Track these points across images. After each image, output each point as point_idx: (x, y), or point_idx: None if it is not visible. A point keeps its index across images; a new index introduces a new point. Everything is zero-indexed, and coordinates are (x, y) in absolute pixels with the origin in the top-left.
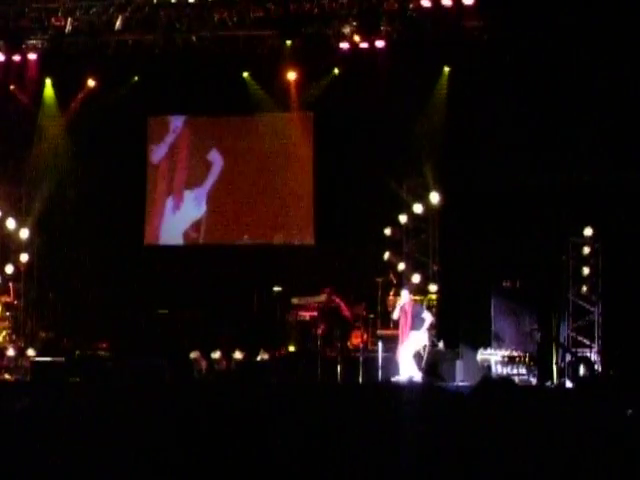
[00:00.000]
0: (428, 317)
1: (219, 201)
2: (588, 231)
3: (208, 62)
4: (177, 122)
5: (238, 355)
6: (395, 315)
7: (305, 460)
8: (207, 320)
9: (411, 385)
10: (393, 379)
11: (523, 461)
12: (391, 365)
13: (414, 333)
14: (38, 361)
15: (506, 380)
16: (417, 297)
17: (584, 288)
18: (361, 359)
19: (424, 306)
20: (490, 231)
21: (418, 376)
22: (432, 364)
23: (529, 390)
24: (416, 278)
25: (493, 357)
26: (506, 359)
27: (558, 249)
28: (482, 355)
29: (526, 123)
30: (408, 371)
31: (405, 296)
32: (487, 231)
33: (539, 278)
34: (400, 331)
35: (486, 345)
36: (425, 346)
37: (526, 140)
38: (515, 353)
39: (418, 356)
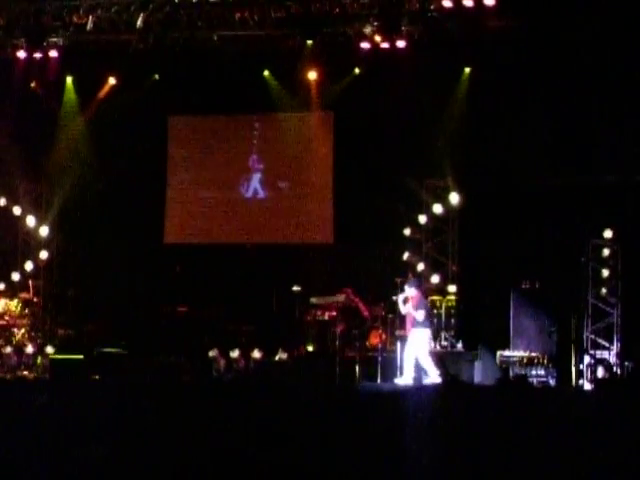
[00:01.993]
0: (420, 314)
1: (238, 200)
2: (608, 233)
3: (229, 61)
4: (197, 120)
5: (257, 354)
6: (403, 310)
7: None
8: (226, 319)
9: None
10: (396, 380)
11: (541, 461)
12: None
13: (418, 330)
14: (57, 358)
15: (524, 381)
16: (435, 297)
17: (603, 290)
18: (379, 359)
19: (426, 301)
20: (510, 232)
21: (436, 375)
22: (442, 363)
23: (547, 392)
24: (435, 279)
25: (512, 358)
26: (525, 360)
27: (578, 251)
28: (501, 356)
29: (547, 124)
30: (425, 369)
31: (409, 291)
32: (507, 232)
33: (558, 279)
34: (407, 327)
35: (505, 346)
36: (430, 342)
37: (546, 141)
38: (534, 354)
39: (433, 354)
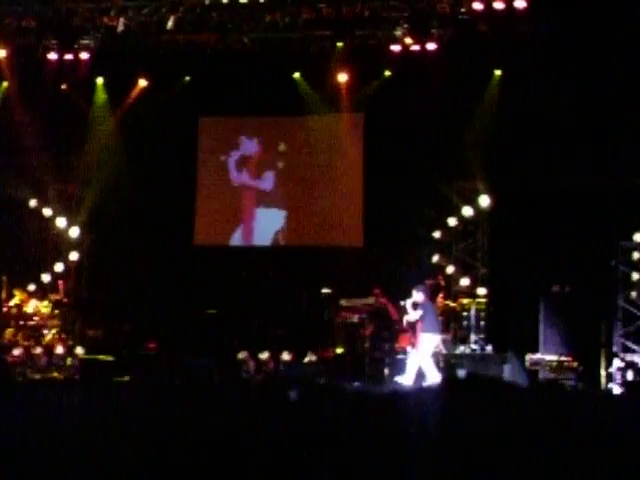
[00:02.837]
0: (414, 315)
1: (267, 202)
2: (638, 236)
3: (259, 63)
4: (228, 122)
5: (286, 356)
6: (412, 317)
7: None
8: (256, 321)
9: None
10: (397, 378)
11: (569, 465)
12: (439, 367)
13: (424, 335)
14: (87, 359)
15: (554, 385)
16: (465, 300)
17: (633, 293)
18: (408, 361)
19: (434, 306)
20: (539, 235)
21: (438, 378)
22: (449, 367)
23: (577, 395)
24: (465, 281)
25: (541, 362)
26: (554, 364)
27: (608, 254)
28: (530, 360)
29: (577, 126)
30: (423, 373)
31: (416, 296)
32: (536, 235)
33: (588, 283)
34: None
35: (534, 350)
36: (439, 347)
37: (577, 143)
38: (563, 358)
39: (435, 357)
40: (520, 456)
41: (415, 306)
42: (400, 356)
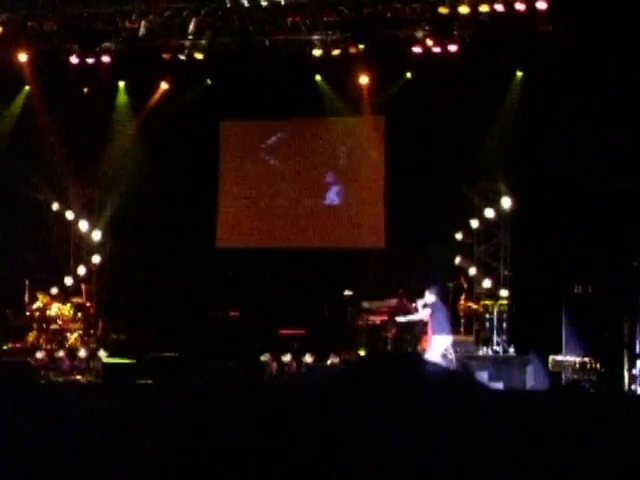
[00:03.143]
0: (424, 314)
1: (289, 204)
2: None
3: (280, 65)
4: (248, 125)
5: (308, 359)
6: (421, 316)
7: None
8: (278, 323)
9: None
10: None
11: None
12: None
13: (435, 337)
14: (109, 362)
15: (577, 386)
16: (487, 301)
17: None
18: (442, 362)
19: (446, 307)
20: (562, 236)
21: None
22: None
23: (600, 397)
24: (487, 283)
25: (564, 363)
26: (577, 365)
27: (630, 254)
28: (553, 361)
29: (598, 127)
30: None
31: (428, 297)
32: (559, 236)
33: (611, 283)
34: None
35: (557, 351)
36: (448, 349)
37: (599, 144)
38: (586, 359)
39: (444, 359)
40: (541, 459)
41: (426, 307)
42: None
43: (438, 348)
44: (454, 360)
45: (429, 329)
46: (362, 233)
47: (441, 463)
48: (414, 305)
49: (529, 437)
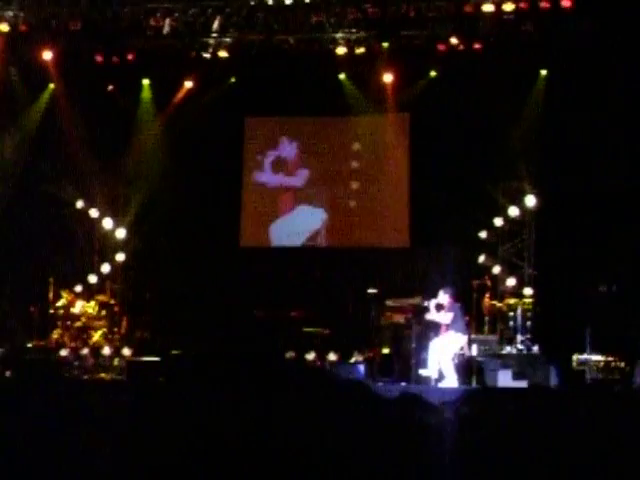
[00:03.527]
0: (447, 317)
1: (313, 202)
2: None
3: (305, 63)
4: (273, 123)
5: (332, 357)
6: (435, 316)
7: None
8: (302, 321)
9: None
10: (421, 371)
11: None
12: (487, 369)
13: (451, 334)
14: (134, 360)
15: (601, 385)
16: (511, 300)
17: None
18: (455, 362)
19: (461, 307)
20: (586, 235)
21: (454, 380)
22: (467, 369)
23: (624, 396)
24: (511, 281)
25: (588, 362)
26: (601, 364)
27: None
28: (577, 360)
29: (623, 125)
30: (442, 374)
31: (442, 298)
32: (583, 235)
33: (635, 282)
34: (442, 330)
35: (581, 350)
36: (463, 348)
37: (623, 143)
38: (610, 358)
39: (455, 359)
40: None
41: (439, 307)
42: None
43: (452, 347)
44: (473, 358)
45: (443, 328)
46: (386, 231)
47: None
48: (427, 304)
49: (553, 435)
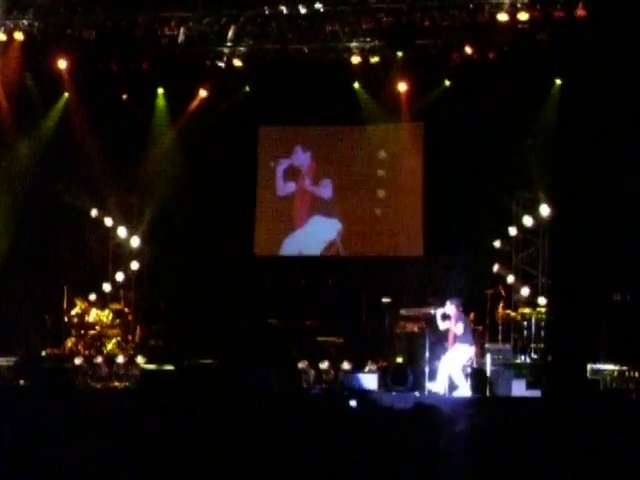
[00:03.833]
0: (460, 330)
1: (328, 211)
2: None
3: (319, 72)
4: (287, 132)
5: (346, 366)
6: (441, 326)
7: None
8: (315, 330)
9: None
10: (430, 386)
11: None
12: (500, 378)
13: (459, 346)
14: (147, 369)
15: (615, 395)
16: (525, 309)
17: None
18: (469, 371)
19: (467, 319)
20: (600, 244)
21: (466, 390)
22: (479, 379)
23: (638, 405)
24: (525, 291)
25: (602, 371)
26: (615, 373)
27: None
28: (591, 369)
29: (638, 135)
30: (454, 384)
31: (449, 308)
32: (597, 244)
33: None
34: (450, 342)
35: (595, 359)
36: (472, 359)
37: (638, 152)
38: (625, 368)
39: (465, 369)
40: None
41: (445, 317)
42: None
43: (460, 358)
44: (483, 368)
45: (451, 339)
46: (400, 240)
47: None
48: (433, 313)
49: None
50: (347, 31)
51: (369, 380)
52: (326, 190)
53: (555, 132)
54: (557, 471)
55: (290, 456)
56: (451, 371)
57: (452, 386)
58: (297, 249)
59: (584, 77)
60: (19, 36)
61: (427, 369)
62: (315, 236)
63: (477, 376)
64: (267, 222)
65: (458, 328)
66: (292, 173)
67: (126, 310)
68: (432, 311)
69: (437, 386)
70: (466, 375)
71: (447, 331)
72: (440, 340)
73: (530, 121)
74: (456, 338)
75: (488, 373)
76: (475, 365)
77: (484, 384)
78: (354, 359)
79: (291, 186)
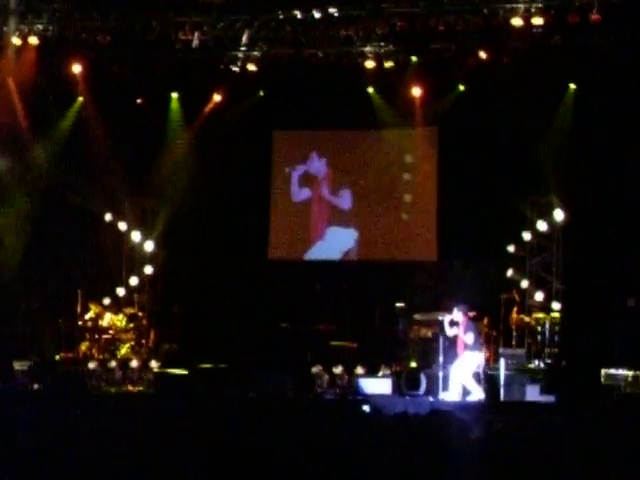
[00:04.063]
0: (470, 337)
1: (346, 222)
2: None
3: (333, 77)
4: (302, 137)
5: (360, 371)
6: (449, 332)
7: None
8: (329, 335)
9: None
10: (443, 395)
11: None
12: (515, 384)
13: (468, 353)
14: (161, 373)
15: (630, 400)
16: (539, 314)
17: None
18: (483, 376)
19: (476, 324)
20: (614, 249)
21: (479, 394)
22: (491, 383)
23: None
24: (539, 296)
25: (616, 376)
26: (630, 378)
27: None
28: (606, 374)
29: None
30: (467, 389)
31: (456, 315)
32: (611, 249)
33: None
34: (459, 348)
35: (610, 364)
36: (480, 365)
37: None
38: (639, 372)
39: (477, 375)
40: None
41: (452, 324)
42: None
43: (470, 364)
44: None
45: (460, 346)
46: (414, 245)
47: None
48: (441, 320)
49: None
50: (361, 35)
51: (383, 385)
52: (345, 200)
53: (569, 137)
54: (570, 477)
55: (304, 461)
56: (462, 378)
57: (465, 392)
58: (311, 255)
59: (598, 81)
60: (34, 40)
61: (441, 374)
62: (334, 247)
63: (490, 381)
64: (282, 227)
65: (468, 337)
66: (307, 180)
67: (140, 314)
68: (439, 318)
69: (450, 395)
70: (478, 380)
71: (456, 337)
72: (453, 345)
73: (544, 126)
74: (465, 345)
75: (502, 378)
76: (487, 370)
77: (497, 389)
78: (368, 364)
79: (306, 192)
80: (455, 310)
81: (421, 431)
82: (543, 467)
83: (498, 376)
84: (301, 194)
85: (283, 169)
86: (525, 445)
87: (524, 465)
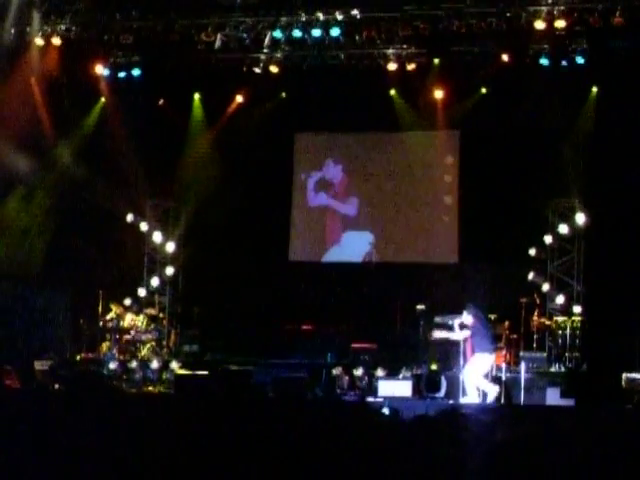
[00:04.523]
0: (477, 340)
1: (363, 219)
2: None
3: (356, 79)
4: (323, 138)
5: (380, 373)
6: (458, 335)
7: None
8: (350, 337)
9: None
10: (462, 400)
11: None
12: (534, 387)
13: (478, 355)
14: (182, 374)
15: None
16: (560, 317)
17: None
18: (503, 379)
19: (488, 326)
20: (636, 252)
21: (494, 391)
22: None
23: None
24: (560, 299)
25: (638, 381)
26: None
27: None
28: (627, 378)
29: None
30: (483, 391)
31: (465, 318)
32: (633, 252)
33: None
34: (468, 351)
35: (631, 368)
36: (493, 366)
37: None
38: None
39: (489, 376)
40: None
41: (462, 326)
42: (494, 373)
43: (481, 366)
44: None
45: (469, 349)
46: (435, 248)
47: None
48: (450, 323)
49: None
50: (384, 38)
51: (403, 387)
52: (351, 207)
53: (592, 140)
54: None
55: (324, 462)
56: (475, 381)
57: (483, 395)
58: (331, 257)
59: (621, 85)
60: (57, 41)
61: (462, 377)
62: (352, 251)
63: (505, 386)
64: (301, 230)
65: (476, 339)
66: (323, 185)
67: (161, 315)
68: (449, 321)
69: (469, 399)
70: (492, 381)
71: (466, 340)
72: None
73: (566, 129)
74: (475, 348)
75: (522, 381)
76: (501, 373)
77: (510, 393)
78: (388, 366)
79: (322, 197)
80: (465, 313)
81: (438, 430)
82: (562, 471)
83: (510, 379)
84: (317, 199)
85: (300, 175)
86: (544, 448)
87: (542, 468)
